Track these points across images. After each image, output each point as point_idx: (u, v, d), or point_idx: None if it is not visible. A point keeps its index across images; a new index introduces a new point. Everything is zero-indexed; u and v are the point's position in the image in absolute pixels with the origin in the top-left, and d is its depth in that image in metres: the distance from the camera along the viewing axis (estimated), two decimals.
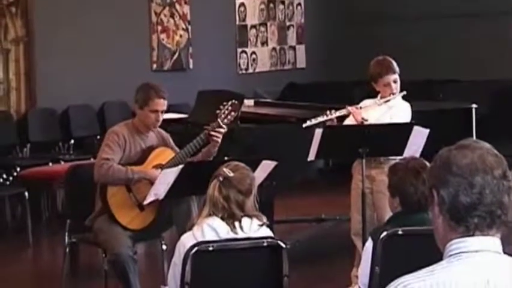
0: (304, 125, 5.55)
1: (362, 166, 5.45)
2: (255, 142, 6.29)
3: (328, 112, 5.59)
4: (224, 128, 5.39)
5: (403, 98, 5.71)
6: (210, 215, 3.77)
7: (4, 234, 7.93)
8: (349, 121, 5.61)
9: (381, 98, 5.64)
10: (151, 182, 5.18)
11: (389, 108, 5.64)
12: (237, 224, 3.75)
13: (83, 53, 9.13)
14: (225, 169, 3.80)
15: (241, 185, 3.76)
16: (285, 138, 6.32)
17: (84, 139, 9.06)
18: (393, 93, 5.60)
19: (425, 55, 11.50)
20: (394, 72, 5.59)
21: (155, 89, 5.37)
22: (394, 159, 5.46)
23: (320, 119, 5.55)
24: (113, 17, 9.46)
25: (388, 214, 5.26)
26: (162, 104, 5.34)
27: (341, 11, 12.20)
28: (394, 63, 5.62)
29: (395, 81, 5.60)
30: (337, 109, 5.63)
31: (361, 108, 5.63)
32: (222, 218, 3.75)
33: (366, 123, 5.52)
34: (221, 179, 3.77)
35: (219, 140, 5.36)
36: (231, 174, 3.76)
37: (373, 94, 5.75)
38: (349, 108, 5.61)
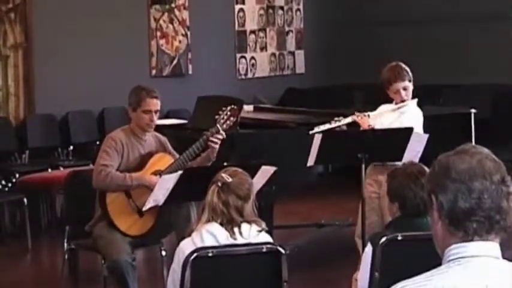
0: (311, 132, 5.50)
1: (362, 171, 5.44)
2: (254, 147, 6.28)
3: (336, 119, 5.56)
4: (223, 134, 5.39)
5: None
6: (209, 220, 3.76)
7: (3, 241, 7.91)
8: None
9: (395, 103, 5.61)
10: (150, 188, 5.17)
11: (401, 114, 5.60)
12: (236, 229, 3.74)
13: (82, 59, 9.13)
14: (223, 174, 3.79)
15: (239, 190, 3.75)
16: (285, 143, 6.31)
17: (84, 145, 9.04)
18: (403, 100, 5.55)
19: (425, 59, 11.49)
20: (403, 80, 5.51)
21: (146, 90, 5.38)
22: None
23: (328, 125, 5.52)
24: (112, 23, 9.45)
25: None
26: (155, 103, 5.34)
27: (340, 16, 12.20)
28: (405, 70, 5.53)
29: (405, 89, 5.52)
30: (345, 116, 5.59)
31: (369, 116, 5.59)
32: (221, 224, 3.74)
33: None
34: (220, 184, 3.76)
35: (217, 146, 5.36)
36: (230, 180, 3.76)
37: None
38: (355, 116, 5.57)
